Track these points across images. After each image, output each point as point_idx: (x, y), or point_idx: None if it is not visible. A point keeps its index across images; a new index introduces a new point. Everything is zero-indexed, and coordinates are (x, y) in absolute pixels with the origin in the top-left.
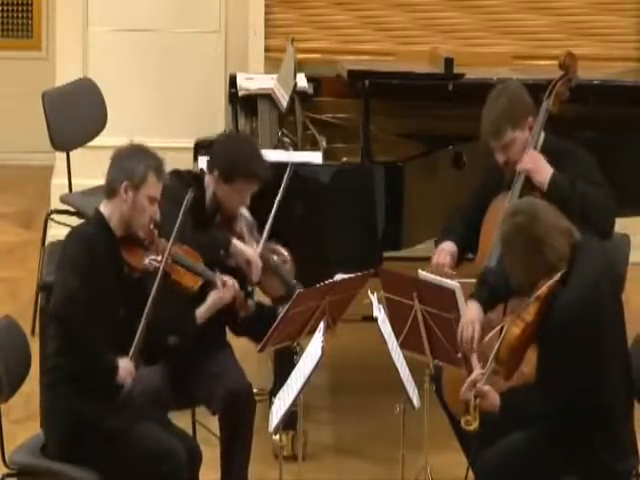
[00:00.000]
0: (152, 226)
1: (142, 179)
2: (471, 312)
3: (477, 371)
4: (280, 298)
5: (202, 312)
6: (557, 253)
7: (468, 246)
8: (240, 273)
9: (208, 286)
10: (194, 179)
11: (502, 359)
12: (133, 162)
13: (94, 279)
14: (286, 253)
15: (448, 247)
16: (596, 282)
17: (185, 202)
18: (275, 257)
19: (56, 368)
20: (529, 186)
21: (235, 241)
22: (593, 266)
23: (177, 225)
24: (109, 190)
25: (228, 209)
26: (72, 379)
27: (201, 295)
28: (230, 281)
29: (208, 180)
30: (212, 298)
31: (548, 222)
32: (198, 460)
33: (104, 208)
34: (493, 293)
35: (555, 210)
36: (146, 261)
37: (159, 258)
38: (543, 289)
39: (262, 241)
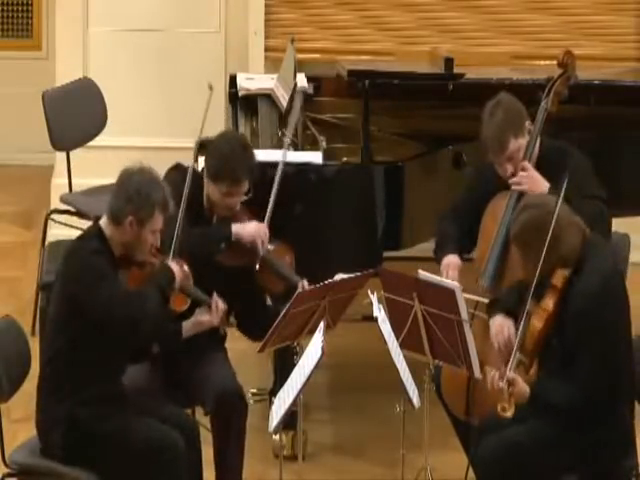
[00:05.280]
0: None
1: (148, 217)
2: (497, 320)
3: (498, 368)
4: (281, 293)
5: (188, 329)
6: (571, 247)
7: (465, 249)
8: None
9: (197, 305)
10: (194, 176)
11: (527, 349)
12: (141, 198)
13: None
14: (285, 245)
15: (454, 262)
16: (612, 270)
17: (180, 215)
18: (272, 254)
19: (51, 377)
20: None
21: (234, 226)
22: (606, 257)
23: (174, 241)
24: (114, 218)
25: (219, 212)
26: (68, 388)
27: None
28: (221, 305)
29: (206, 180)
30: (201, 319)
31: (562, 216)
32: (197, 436)
33: (106, 227)
34: (506, 304)
35: (566, 205)
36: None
37: None
38: (559, 279)
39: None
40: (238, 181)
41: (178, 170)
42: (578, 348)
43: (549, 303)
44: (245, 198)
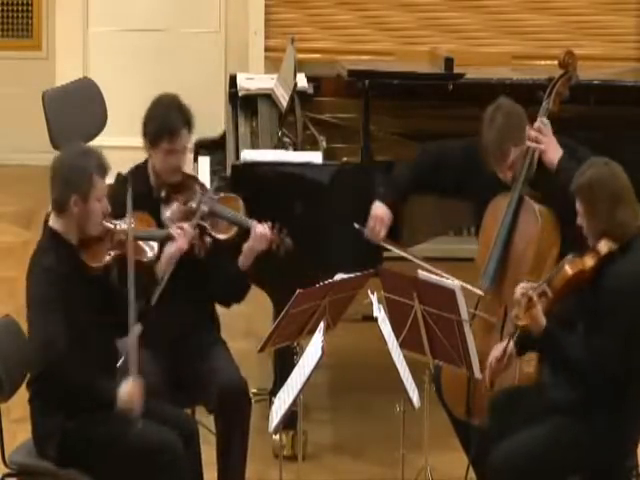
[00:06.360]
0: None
1: (89, 188)
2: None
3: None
4: (235, 240)
5: (163, 267)
6: (624, 222)
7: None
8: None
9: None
10: (134, 172)
11: (554, 285)
12: (76, 173)
13: (68, 308)
14: (232, 194)
15: (383, 216)
16: None
17: (128, 197)
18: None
19: (40, 392)
20: (530, 188)
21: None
22: None
23: (128, 212)
24: (59, 206)
25: (167, 177)
26: (56, 402)
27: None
28: (185, 225)
29: (148, 158)
30: (170, 250)
31: (627, 185)
32: (196, 437)
33: (55, 224)
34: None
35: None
36: (107, 258)
37: (117, 251)
38: (604, 247)
39: (209, 192)
40: (175, 132)
41: (116, 181)
42: (602, 323)
43: (588, 261)
44: (190, 156)
